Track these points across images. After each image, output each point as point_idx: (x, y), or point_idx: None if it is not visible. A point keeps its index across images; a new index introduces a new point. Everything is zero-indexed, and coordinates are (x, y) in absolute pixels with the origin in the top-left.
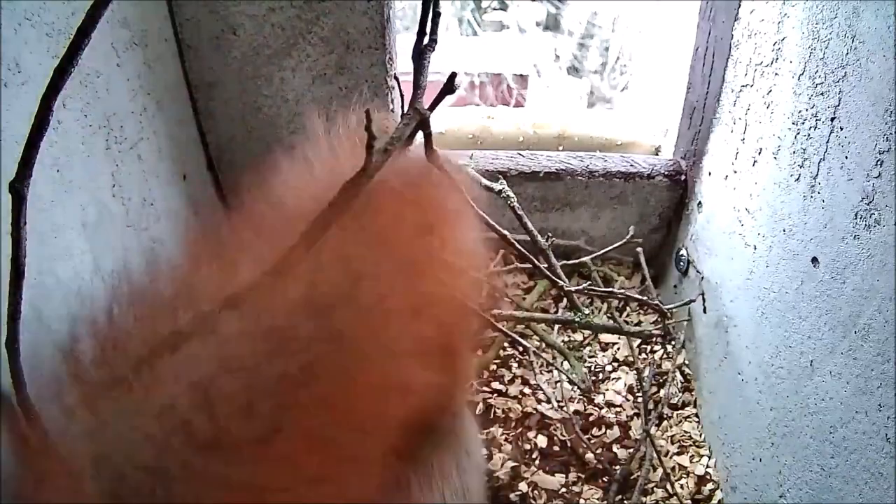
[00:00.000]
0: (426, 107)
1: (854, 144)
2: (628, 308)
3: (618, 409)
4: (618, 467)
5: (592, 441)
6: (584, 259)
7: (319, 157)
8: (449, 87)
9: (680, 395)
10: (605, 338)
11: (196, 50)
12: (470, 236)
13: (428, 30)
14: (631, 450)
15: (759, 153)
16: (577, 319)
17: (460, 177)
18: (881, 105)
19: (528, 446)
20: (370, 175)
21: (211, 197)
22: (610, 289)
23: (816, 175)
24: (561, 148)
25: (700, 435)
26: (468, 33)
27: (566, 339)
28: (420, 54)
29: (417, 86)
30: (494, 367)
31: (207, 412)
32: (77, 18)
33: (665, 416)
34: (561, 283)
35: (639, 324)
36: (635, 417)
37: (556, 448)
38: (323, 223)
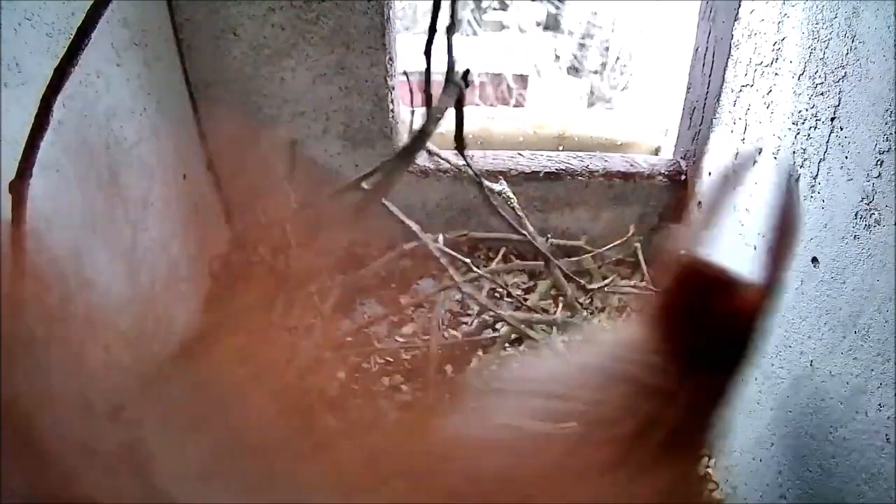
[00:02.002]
0: (432, 101)
1: (854, 144)
2: (628, 308)
3: None
4: None
5: None
6: (584, 257)
7: None
8: (464, 83)
9: None
10: None
11: (196, 50)
12: None
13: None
14: None
15: (759, 153)
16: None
17: None
18: (881, 105)
19: None
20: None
21: (211, 197)
22: (625, 283)
23: (816, 175)
24: (561, 148)
25: None
26: (468, 33)
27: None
28: (448, 32)
29: (450, 66)
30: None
31: None
32: (77, 18)
33: None
34: (578, 282)
35: None
36: None
37: None
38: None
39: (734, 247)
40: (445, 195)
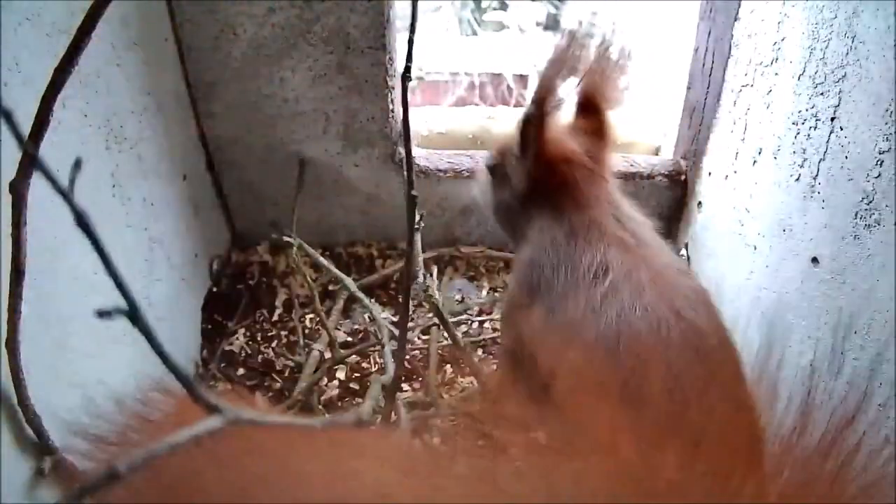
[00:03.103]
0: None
1: (854, 144)
2: None
3: None
4: None
5: None
6: None
7: None
8: None
9: None
10: None
11: (196, 50)
12: None
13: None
14: None
15: (759, 153)
16: None
17: None
18: (881, 105)
19: None
20: None
21: (211, 197)
22: None
23: (816, 175)
24: None
25: None
26: (468, 33)
27: None
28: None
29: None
30: None
31: None
32: (77, 18)
33: None
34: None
35: None
36: None
37: None
38: None
39: (734, 247)
40: (445, 195)
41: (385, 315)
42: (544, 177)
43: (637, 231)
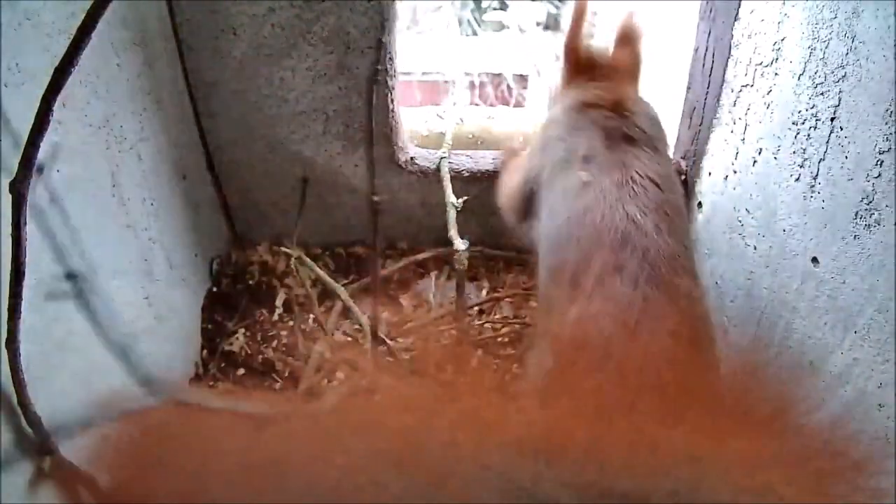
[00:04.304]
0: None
1: (854, 144)
2: None
3: None
4: None
5: None
6: None
7: None
8: None
9: None
10: None
11: (196, 50)
12: None
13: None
14: None
15: (759, 153)
16: None
17: None
18: (881, 105)
19: None
20: None
21: (211, 197)
22: None
23: (816, 175)
24: None
25: None
26: (468, 33)
27: None
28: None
29: None
30: None
31: None
32: (77, 18)
33: None
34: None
35: None
36: None
37: None
38: None
39: (734, 247)
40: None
41: (385, 315)
42: (573, 69)
43: (632, 133)
